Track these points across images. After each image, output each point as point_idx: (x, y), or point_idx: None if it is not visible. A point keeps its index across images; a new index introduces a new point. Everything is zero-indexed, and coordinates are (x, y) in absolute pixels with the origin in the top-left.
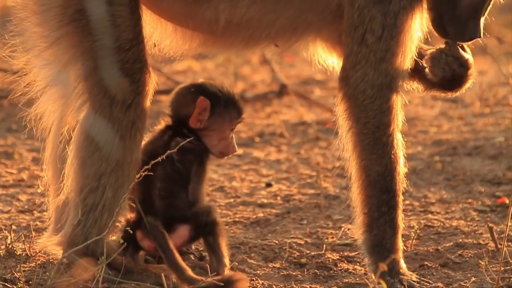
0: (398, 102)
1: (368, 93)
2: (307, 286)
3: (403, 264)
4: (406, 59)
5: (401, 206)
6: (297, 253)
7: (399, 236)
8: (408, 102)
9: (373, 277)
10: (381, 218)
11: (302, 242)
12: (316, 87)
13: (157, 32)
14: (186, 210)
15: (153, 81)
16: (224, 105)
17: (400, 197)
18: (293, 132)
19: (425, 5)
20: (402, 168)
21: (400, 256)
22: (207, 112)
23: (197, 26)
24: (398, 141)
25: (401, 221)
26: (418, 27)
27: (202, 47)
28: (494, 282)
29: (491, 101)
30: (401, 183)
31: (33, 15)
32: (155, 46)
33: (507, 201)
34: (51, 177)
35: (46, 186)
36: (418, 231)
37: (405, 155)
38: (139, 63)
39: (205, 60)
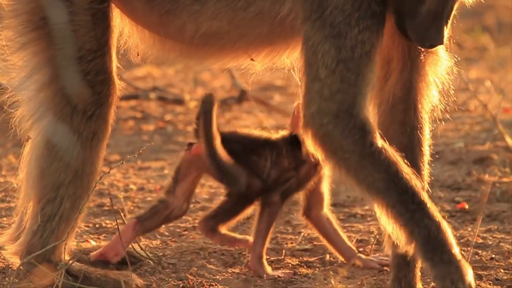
0: (366, 117)
1: (324, 122)
2: None
3: (465, 265)
4: (365, 87)
5: (428, 200)
6: None
7: (446, 229)
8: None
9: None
10: (415, 214)
11: None
12: (276, 93)
13: (142, 42)
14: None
15: (116, 93)
16: None
17: (423, 193)
18: None
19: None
20: (405, 166)
21: (457, 254)
22: None
23: (169, 35)
24: (383, 144)
25: (439, 215)
26: (378, 54)
27: (182, 57)
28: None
29: (450, 106)
30: (414, 178)
31: (8, 19)
32: (138, 55)
33: (466, 207)
34: (24, 178)
35: (19, 185)
36: (377, 236)
37: None
38: (102, 75)
39: (165, 66)
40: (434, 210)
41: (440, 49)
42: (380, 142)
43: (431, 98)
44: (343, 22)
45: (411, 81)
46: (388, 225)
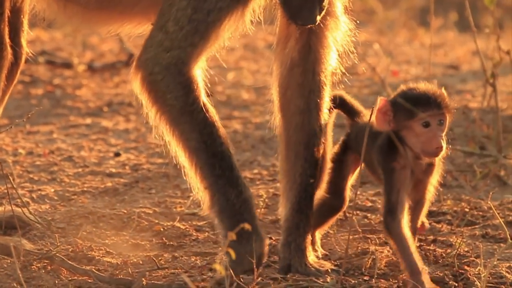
0: (194, 75)
1: (155, 71)
2: (156, 255)
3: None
4: (205, 50)
5: (236, 167)
6: (146, 223)
7: (247, 196)
8: (256, 71)
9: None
10: (219, 180)
11: (151, 212)
12: None
13: (48, 8)
14: None
15: (8, 57)
16: (404, 101)
17: (232, 159)
18: (141, 101)
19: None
20: (220, 129)
21: (255, 226)
22: (389, 111)
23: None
24: (206, 106)
25: (244, 183)
26: (235, 26)
27: (85, 23)
28: (342, 251)
29: (339, 70)
30: (227, 144)
31: None
32: (44, 20)
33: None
34: None
35: None
36: (266, 200)
37: (254, 123)
38: None
39: (54, 30)
40: (239, 179)
41: (340, 13)
42: (202, 103)
43: (330, 61)
44: None
45: (309, 44)
46: (196, 185)
